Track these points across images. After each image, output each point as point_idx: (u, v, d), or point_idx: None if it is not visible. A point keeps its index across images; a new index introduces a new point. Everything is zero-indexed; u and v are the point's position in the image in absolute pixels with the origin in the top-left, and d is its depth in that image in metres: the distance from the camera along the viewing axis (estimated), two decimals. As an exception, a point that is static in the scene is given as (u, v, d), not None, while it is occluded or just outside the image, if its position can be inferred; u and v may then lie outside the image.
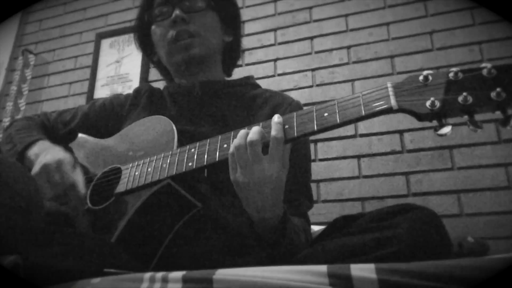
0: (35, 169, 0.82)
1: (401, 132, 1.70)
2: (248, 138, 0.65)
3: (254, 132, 0.66)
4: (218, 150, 0.71)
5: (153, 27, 1.00)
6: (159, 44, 0.99)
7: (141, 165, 0.81)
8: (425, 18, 1.84)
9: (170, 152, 0.78)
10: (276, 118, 0.67)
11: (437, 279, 0.41)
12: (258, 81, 1.08)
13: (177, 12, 0.93)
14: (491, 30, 1.71)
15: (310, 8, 2.05)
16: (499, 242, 1.43)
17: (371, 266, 0.44)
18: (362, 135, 1.76)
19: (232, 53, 1.08)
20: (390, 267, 0.44)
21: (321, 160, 1.78)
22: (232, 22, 1.06)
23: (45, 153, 0.86)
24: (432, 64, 1.75)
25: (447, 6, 1.81)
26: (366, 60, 1.87)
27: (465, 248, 1.30)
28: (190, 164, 0.73)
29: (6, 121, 2.36)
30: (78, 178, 0.83)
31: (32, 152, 0.90)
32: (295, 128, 0.66)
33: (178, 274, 0.50)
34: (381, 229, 0.63)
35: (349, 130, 1.77)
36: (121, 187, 0.81)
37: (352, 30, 1.94)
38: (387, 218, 0.65)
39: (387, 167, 1.68)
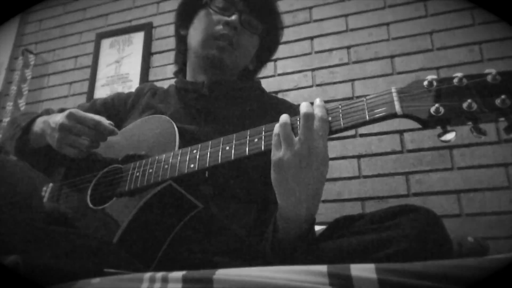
0: (54, 137, 0.83)
1: (401, 132, 1.70)
2: (306, 110, 0.64)
3: (307, 106, 0.65)
4: (220, 152, 0.71)
5: (204, 10, 0.98)
6: (200, 29, 0.97)
7: (142, 166, 0.80)
8: (425, 18, 1.84)
9: (172, 153, 0.78)
10: (318, 101, 0.67)
11: (437, 279, 0.41)
12: (258, 81, 1.08)
13: (235, 18, 0.93)
14: (491, 30, 1.71)
15: (310, 8, 2.05)
16: (499, 242, 1.43)
17: (371, 266, 0.44)
18: (362, 135, 1.76)
19: (245, 77, 1.08)
20: (390, 267, 0.43)
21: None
22: (264, 57, 1.09)
23: (50, 121, 0.87)
24: (432, 64, 1.75)
25: (447, 6, 1.81)
26: (366, 60, 1.87)
27: (465, 248, 1.29)
28: (192, 166, 0.73)
29: (6, 121, 2.36)
30: (94, 115, 0.85)
31: (36, 127, 0.92)
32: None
33: (178, 274, 0.50)
34: (381, 230, 0.63)
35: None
36: (122, 188, 0.81)
37: (352, 30, 1.94)
38: (387, 219, 0.65)
39: (387, 167, 1.68)
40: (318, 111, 0.65)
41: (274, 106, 0.99)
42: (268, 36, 1.03)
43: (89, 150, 0.85)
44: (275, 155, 0.65)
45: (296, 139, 0.64)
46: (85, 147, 0.84)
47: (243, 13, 0.95)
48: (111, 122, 0.85)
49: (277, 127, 0.66)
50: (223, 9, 0.96)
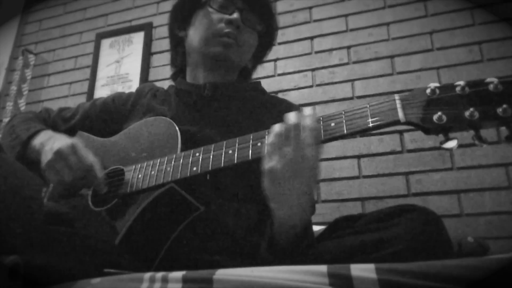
0: (48, 156, 0.81)
1: (401, 132, 1.70)
2: (293, 121, 0.65)
3: (294, 116, 0.66)
4: (223, 156, 0.71)
5: (202, 10, 0.97)
6: (200, 29, 0.96)
7: (144, 168, 0.80)
8: (425, 18, 1.84)
9: (174, 156, 0.77)
10: (307, 110, 0.67)
11: (437, 279, 0.41)
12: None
13: (237, 16, 0.93)
14: (491, 30, 1.71)
15: (310, 8, 2.05)
16: (499, 242, 1.43)
17: (371, 266, 0.44)
18: (362, 135, 1.76)
19: (243, 76, 1.10)
20: (390, 267, 0.44)
21: (321, 160, 1.78)
22: (261, 55, 1.10)
23: (52, 140, 0.86)
24: (432, 64, 1.75)
25: (447, 6, 1.81)
26: (366, 60, 1.86)
27: (465, 248, 1.29)
28: (194, 168, 0.73)
29: (6, 121, 2.36)
30: (94, 160, 0.83)
31: (36, 141, 0.90)
32: None
33: (178, 274, 0.50)
34: (381, 230, 0.63)
35: (349, 130, 1.77)
36: (124, 189, 0.81)
37: (352, 30, 1.94)
38: (387, 219, 0.66)
39: (387, 167, 1.68)
40: (306, 121, 0.66)
41: (275, 107, 0.99)
42: (266, 34, 1.04)
43: (67, 188, 0.82)
44: (268, 164, 0.66)
45: (287, 149, 0.65)
46: (66, 183, 0.81)
47: (243, 11, 0.95)
48: (101, 176, 0.83)
49: (271, 137, 0.67)
50: (223, 8, 0.95)
